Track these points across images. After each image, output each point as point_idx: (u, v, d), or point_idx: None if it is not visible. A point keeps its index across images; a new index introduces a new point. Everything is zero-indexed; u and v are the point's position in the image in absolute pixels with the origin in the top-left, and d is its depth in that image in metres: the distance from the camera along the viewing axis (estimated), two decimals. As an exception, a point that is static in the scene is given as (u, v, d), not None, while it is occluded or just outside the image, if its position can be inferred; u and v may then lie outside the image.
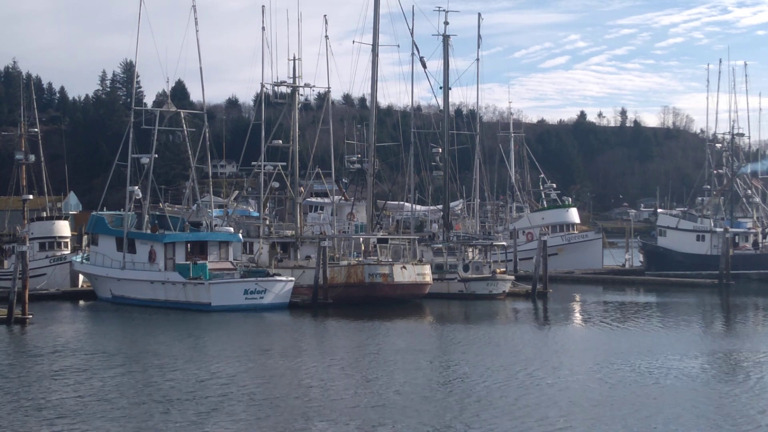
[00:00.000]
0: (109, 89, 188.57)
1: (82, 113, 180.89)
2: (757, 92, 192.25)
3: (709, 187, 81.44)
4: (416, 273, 56.00)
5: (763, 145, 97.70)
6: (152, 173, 59.11)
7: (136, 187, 58.59)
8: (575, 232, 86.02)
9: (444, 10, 65.36)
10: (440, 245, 63.08)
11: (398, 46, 67.47)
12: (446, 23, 65.25)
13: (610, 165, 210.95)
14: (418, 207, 78.55)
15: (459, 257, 61.71)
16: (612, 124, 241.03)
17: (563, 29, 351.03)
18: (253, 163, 72.46)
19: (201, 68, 59.55)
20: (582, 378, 30.68)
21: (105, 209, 65.10)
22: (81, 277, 63.72)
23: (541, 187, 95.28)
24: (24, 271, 46.37)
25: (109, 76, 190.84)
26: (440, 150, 68.89)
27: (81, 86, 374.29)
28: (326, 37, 67.01)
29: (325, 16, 68.34)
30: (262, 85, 66.14)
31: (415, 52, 65.85)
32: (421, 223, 76.66)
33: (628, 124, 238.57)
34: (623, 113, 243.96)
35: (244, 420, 24.85)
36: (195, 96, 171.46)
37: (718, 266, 67.53)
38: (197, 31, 58.47)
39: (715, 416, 25.22)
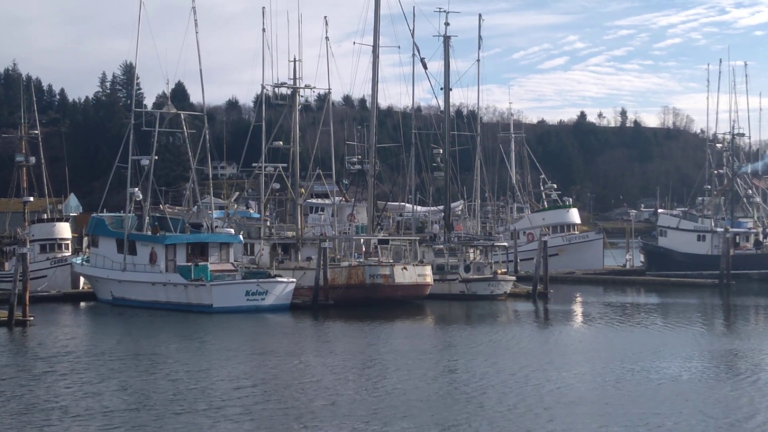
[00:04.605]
0: (109, 91, 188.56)
1: (82, 115, 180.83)
2: (757, 92, 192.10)
3: (709, 187, 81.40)
4: (417, 274, 55.96)
5: (763, 145, 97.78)
6: (152, 175, 59.07)
7: (137, 189, 58.52)
8: (576, 232, 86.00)
9: (445, 11, 65.44)
10: (441, 246, 63.05)
11: (399, 47, 67.24)
12: (447, 24, 65.35)
13: (610, 165, 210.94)
14: (419, 208, 78.50)
15: (460, 258, 61.68)
16: (612, 125, 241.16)
17: (562, 30, 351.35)
18: (253, 164, 72.39)
19: (201, 70, 59.59)
20: (584, 378, 30.70)
21: (105, 211, 65.04)
22: (82, 279, 63.66)
23: (542, 188, 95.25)
24: (25, 273, 46.34)
25: (109, 77, 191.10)
26: (441, 151, 68.85)
27: (81, 88, 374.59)
28: (326, 38, 67.04)
29: (325, 17, 68.23)
30: (263, 87, 66.15)
31: (416, 53, 65.92)
32: (422, 224, 76.60)
33: (628, 125, 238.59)
34: (623, 113, 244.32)
35: (247, 421, 24.84)
36: (195, 97, 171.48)
37: (719, 266, 67.55)
38: (197, 32, 58.46)
39: (716, 415, 25.23)
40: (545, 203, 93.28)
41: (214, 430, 24.05)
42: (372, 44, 64.15)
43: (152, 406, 26.83)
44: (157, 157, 61.41)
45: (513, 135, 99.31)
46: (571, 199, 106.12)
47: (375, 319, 48.01)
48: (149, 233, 57.13)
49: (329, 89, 67.34)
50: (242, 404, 26.91)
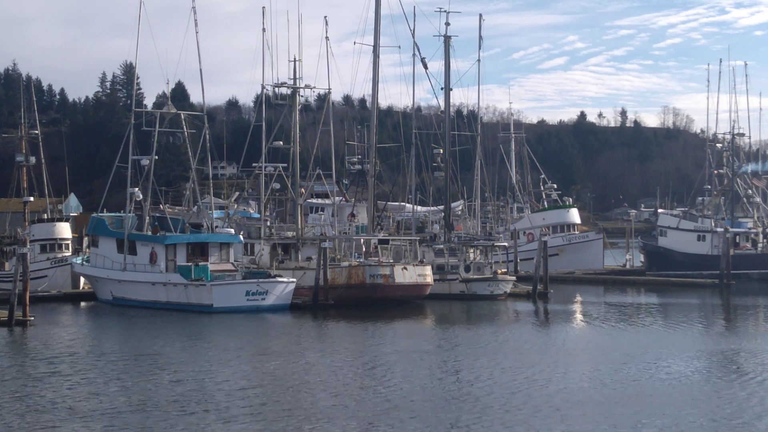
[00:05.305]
0: (109, 91, 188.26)
1: (82, 115, 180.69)
2: (757, 92, 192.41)
3: (709, 187, 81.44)
4: (417, 274, 55.96)
5: (763, 145, 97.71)
6: (153, 175, 59.12)
7: (137, 189, 58.56)
8: (576, 232, 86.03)
9: (445, 11, 65.44)
10: (441, 246, 63.08)
11: (399, 47, 67.28)
12: (447, 24, 65.37)
13: (610, 165, 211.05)
14: (419, 208, 78.54)
15: (460, 258, 61.69)
16: (612, 125, 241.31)
17: (561, 30, 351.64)
18: (253, 164, 72.39)
19: (201, 70, 59.65)
20: (590, 378, 30.69)
21: (105, 211, 65.06)
22: (82, 279, 63.65)
23: (542, 188, 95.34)
24: (25, 273, 46.35)
25: (109, 77, 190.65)
26: (441, 151, 68.83)
27: (81, 88, 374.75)
28: (326, 38, 67.08)
29: (325, 17, 68.33)
30: (263, 87, 66.18)
31: (416, 53, 65.93)
32: (422, 224, 76.64)
33: (628, 125, 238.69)
34: (623, 113, 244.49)
35: (248, 422, 24.83)
36: (195, 97, 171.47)
37: (719, 266, 67.58)
38: (197, 32, 58.55)
39: (726, 416, 25.24)
40: (545, 203, 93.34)
41: (212, 430, 24.04)
42: (372, 44, 64.27)
43: (157, 406, 26.81)
44: (157, 157, 61.46)
45: (513, 135, 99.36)
46: (571, 199, 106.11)
47: (375, 319, 48.01)
48: (149, 233, 57.14)
49: (329, 89, 67.47)
50: (247, 404, 26.89)
